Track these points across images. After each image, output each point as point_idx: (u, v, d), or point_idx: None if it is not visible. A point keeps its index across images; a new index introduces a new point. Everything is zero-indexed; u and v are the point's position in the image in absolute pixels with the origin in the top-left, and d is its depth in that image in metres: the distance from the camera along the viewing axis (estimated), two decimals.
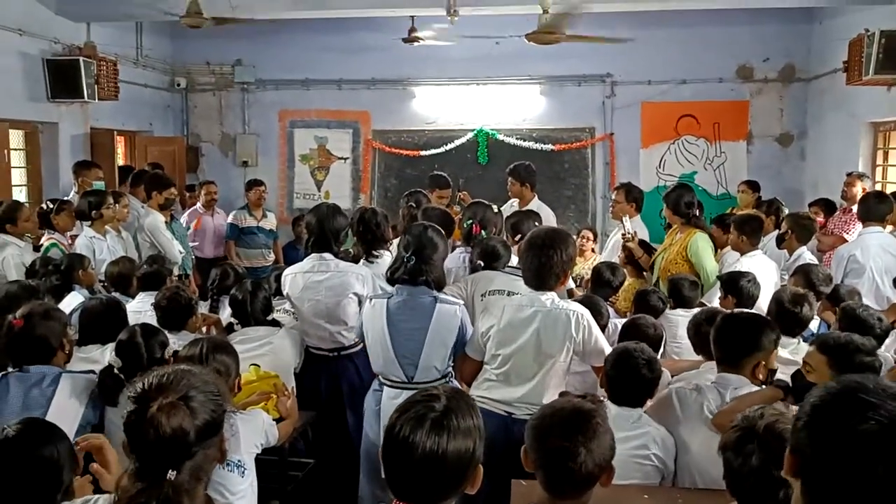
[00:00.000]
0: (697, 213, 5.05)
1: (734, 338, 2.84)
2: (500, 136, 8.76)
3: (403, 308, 3.20)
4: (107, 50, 7.38)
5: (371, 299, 3.34)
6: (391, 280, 3.27)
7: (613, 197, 5.91)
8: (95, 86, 6.88)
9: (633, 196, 5.73)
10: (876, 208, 4.92)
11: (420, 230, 3.30)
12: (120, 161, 8.01)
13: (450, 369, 3.26)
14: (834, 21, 7.66)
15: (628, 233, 5.22)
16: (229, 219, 7.64)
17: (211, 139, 9.41)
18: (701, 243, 4.87)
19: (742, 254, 5.00)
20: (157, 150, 8.50)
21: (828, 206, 6.53)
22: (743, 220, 5.09)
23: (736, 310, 3.66)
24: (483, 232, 4.29)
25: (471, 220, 4.36)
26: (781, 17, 7.93)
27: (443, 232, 3.40)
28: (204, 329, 4.07)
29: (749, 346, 2.80)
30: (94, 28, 7.25)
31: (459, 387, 3.22)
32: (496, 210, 4.58)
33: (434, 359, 3.18)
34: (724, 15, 7.56)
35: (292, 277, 3.90)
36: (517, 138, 8.73)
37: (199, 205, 7.69)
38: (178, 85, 9.13)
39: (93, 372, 2.95)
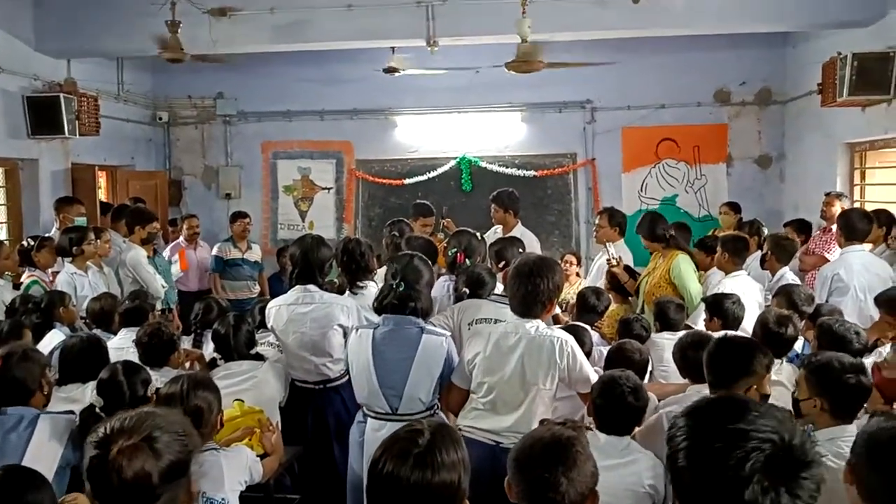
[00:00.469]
0: (674, 234, 5.09)
1: (727, 362, 2.83)
2: (483, 164, 8.81)
3: (389, 338, 3.18)
4: (88, 85, 7.37)
5: (357, 329, 3.32)
6: (379, 309, 3.26)
7: (597, 221, 5.94)
8: (76, 121, 6.86)
9: (616, 220, 5.76)
10: (858, 227, 4.96)
11: (407, 259, 3.31)
12: (102, 196, 7.96)
13: (435, 402, 3.23)
14: (807, 45, 7.79)
15: (613, 258, 5.23)
16: (214, 251, 7.62)
17: (194, 172, 9.39)
18: (683, 265, 4.90)
19: (726, 273, 5.03)
20: (139, 184, 8.47)
21: (802, 226, 6.61)
22: (728, 240, 5.15)
23: (727, 333, 3.67)
24: (468, 260, 4.29)
25: (455, 249, 4.35)
26: (757, 42, 8.06)
27: (429, 261, 3.40)
28: (187, 365, 4.03)
29: (742, 370, 2.80)
30: (74, 64, 7.25)
31: (445, 420, 3.19)
32: (480, 238, 4.58)
33: (419, 390, 3.15)
34: (701, 40, 7.66)
35: (276, 310, 3.87)
36: (500, 165, 8.78)
37: (181, 238, 7.64)
38: (160, 119, 9.13)
39: (72, 412, 2.89)
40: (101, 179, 8.22)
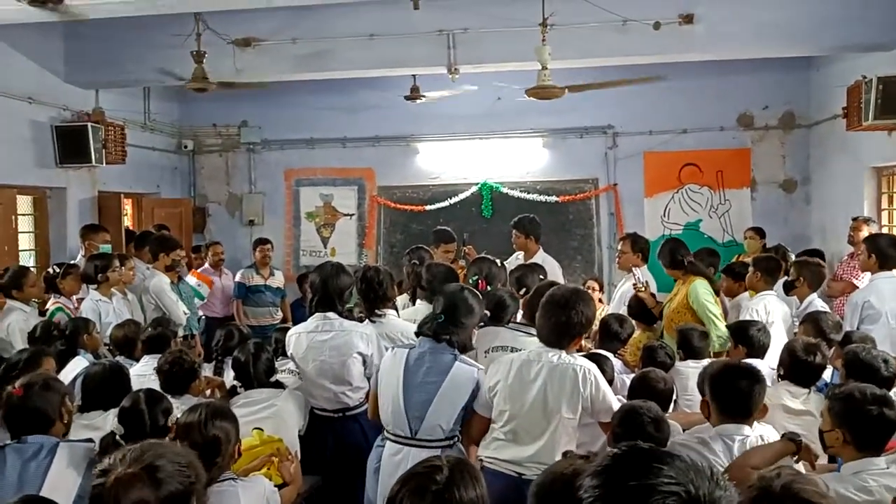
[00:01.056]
0: (692, 260, 5.04)
1: (734, 389, 2.80)
2: (504, 189, 8.80)
3: (422, 360, 3.20)
4: (115, 115, 7.52)
5: (393, 348, 3.36)
6: (417, 332, 3.30)
7: (619, 247, 5.90)
8: (103, 150, 6.99)
9: (639, 246, 5.73)
10: (889, 253, 4.87)
11: (455, 291, 3.33)
12: (127, 223, 8.07)
13: (456, 433, 3.19)
14: (831, 68, 7.73)
15: (640, 282, 5.19)
16: (237, 278, 7.69)
17: (218, 199, 9.49)
18: (700, 289, 4.86)
19: (756, 292, 4.98)
20: (164, 211, 8.57)
21: (815, 255, 6.47)
22: (762, 259, 5.19)
23: (730, 361, 3.63)
24: (489, 287, 4.28)
25: (476, 276, 4.34)
26: (780, 66, 8.01)
27: (480, 296, 3.41)
28: (208, 392, 4.03)
29: (746, 399, 2.78)
30: (102, 94, 7.40)
31: (464, 452, 3.16)
32: (500, 264, 4.57)
33: (441, 416, 3.13)
34: (723, 64, 7.63)
35: (296, 337, 3.87)
36: (521, 191, 8.77)
37: (206, 265, 7.71)
38: (186, 147, 9.26)
39: (92, 440, 2.89)
40: (127, 207, 8.34)
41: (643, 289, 5.14)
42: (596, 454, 2.23)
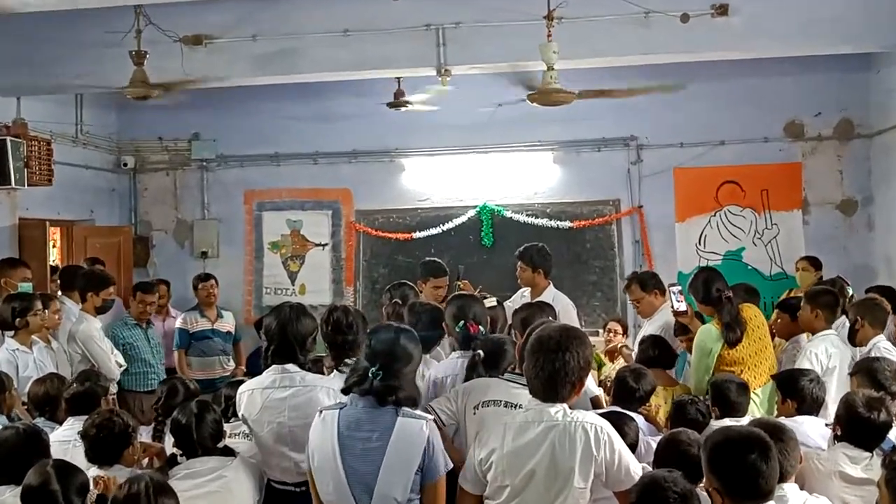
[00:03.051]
0: (731, 296, 5.04)
1: (739, 466, 2.72)
2: (508, 213, 8.82)
3: (359, 422, 3.12)
4: (40, 127, 7.54)
5: (321, 412, 3.26)
6: (345, 391, 3.19)
7: (629, 296, 5.94)
8: (25, 169, 6.98)
9: (652, 285, 5.79)
10: None
11: (391, 337, 3.22)
12: (54, 257, 8.05)
13: (415, 501, 3.14)
14: (893, 69, 7.79)
15: (677, 306, 5.23)
16: (177, 323, 7.66)
17: (164, 227, 9.50)
18: (700, 336, 4.95)
19: (812, 332, 5.00)
20: (98, 242, 8.56)
21: (888, 293, 6.44)
22: (817, 293, 5.17)
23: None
24: (481, 329, 4.27)
25: (463, 322, 4.33)
26: (833, 66, 8.07)
27: (417, 337, 3.34)
28: (145, 461, 3.99)
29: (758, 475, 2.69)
30: (24, 102, 7.42)
31: None
32: (494, 302, 4.56)
33: (393, 487, 3.07)
34: (766, 64, 7.69)
35: (249, 395, 3.83)
36: (528, 215, 8.78)
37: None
38: (125, 165, 9.28)
39: None
40: (55, 237, 8.32)
41: (684, 311, 5.18)
42: None
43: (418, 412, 3.22)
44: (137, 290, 7.00)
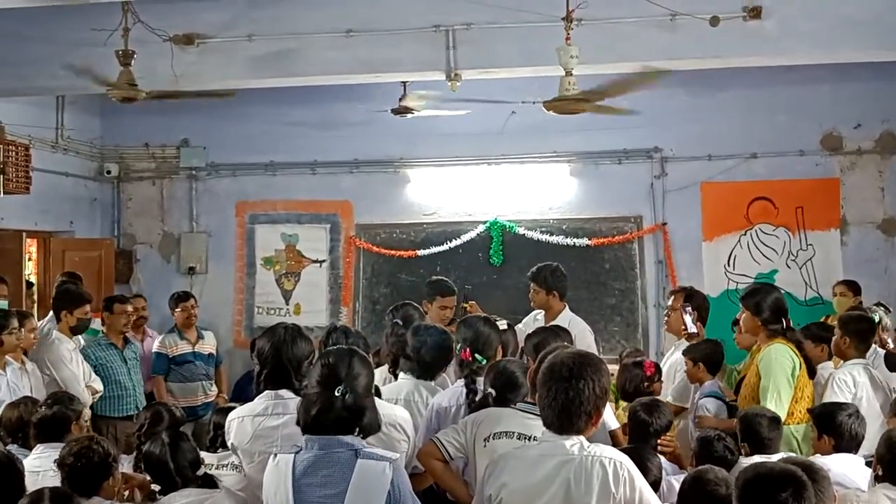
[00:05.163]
0: (789, 325, 5.00)
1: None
2: (520, 230, 8.83)
3: (314, 467, 3.07)
4: (17, 131, 7.58)
5: (274, 455, 3.22)
6: (307, 426, 3.15)
7: (669, 303, 5.90)
8: (1, 176, 7.01)
9: (695, 303, 5.80)
10: None
11: (346, 356, 3.21)
12: (29, 271, 8.08)
13: None
14: None
15: (691, 328, 5.25)
16: (155, 347, 7.63)
17: (149, 240, 9.53)
18: (774, 354, 4.81)
19: (844, 360, 5.00)
20: (78, 255, 8.60)
21: None
22: (851, 319, 5.18)
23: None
24: (477, 356, 4.28)
25: (460, 345, 4.35)
26: (875, 74, 8.06)
27: (368, 357, 3.35)
28: (126, 493, 3.98)
29: None
30: (1, 105, 7.47)
31: None
32: (504, 325, 4.56)
33: None
34: (802, 71, 7.69)
35: (239, 422, 3.82)
36: (541, 231, 8.80)
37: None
38: (108, 173, 9.32)
39: None
40: (31, 249, 8.36)
41: (696, 333, 5.28)
42: None
43: (381, 451, 3.17)
44: (112, 302, 6.95)
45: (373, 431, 3.21)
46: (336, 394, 3.09)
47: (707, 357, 5.31)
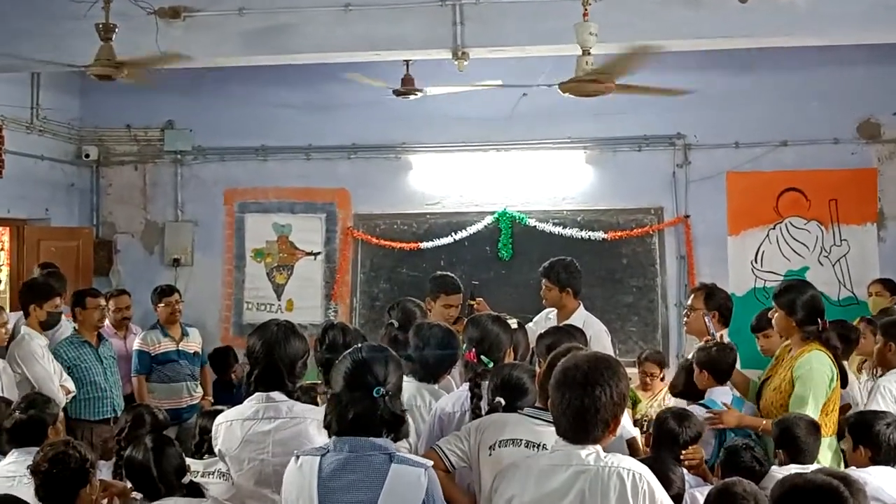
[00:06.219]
0: (825, 326, 4.96)
1: None
2: (531, 221, 8.82)
3: (343, 470, 3.08)
4: None
5: (297, 457, 3.22)
6: (332, 426, 3.15)
7: (689, 302, 5.89)
8: None
9: (716, 302, 5.74)
10: None
11: (379, 354, 3.22)
12: (1, 261, 8.07)
13: None
14: None
15: (711, 334, 5.22)
16: (135, 344, 7.59)
17: (130, 230, 9.54)
18: (815, 363, 4.78)
19: (888, 369, 5.01)
20: (54, 245, 8.59)
21: None
22: (891, 323, 5.16)
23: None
24: (483, 358, 4.26)
25: (465, 345, 4.35)
26: None
27: (397, 356, 3.35)
28: (105, 502, 3.98)
29: None
30: None
31: None
32: (515, 324, 4.54)
33: None
34: (837, 52, 7.67)
35: (227, 427, 3.82)
36: (554, 224, 8.79)
37: (107, 323, 7.67)
38: (87, 156, 9.31)
39: None
40: (3, 238, 8.35)
41: (716, 341, 5.20)
42: None
43: (415, 457, 3.21)
44: (84, 296, 6.91)
45: (404, 435, 3.23)
46: (375, 394, 3.10)
47: (712, 363, 5.13)
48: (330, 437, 3.17)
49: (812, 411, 4.63)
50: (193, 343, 7.78)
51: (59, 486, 3.65)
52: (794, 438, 4.19)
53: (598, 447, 3.08)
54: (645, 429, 5.70)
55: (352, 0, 6.64)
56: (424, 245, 8.97)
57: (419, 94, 7.83)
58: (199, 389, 7.70)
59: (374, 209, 9.16)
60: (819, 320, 4.88)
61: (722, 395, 5.13)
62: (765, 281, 8.52)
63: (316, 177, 9.21)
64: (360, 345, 3.42)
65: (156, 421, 4.58)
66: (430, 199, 9.11)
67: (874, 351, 5.33)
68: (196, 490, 3.79)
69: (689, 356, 5.51)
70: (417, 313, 5.25)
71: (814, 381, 4.71)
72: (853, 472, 3.85)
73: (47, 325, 6.14)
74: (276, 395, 3.79)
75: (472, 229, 8.90)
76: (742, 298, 8.04)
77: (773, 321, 5.07)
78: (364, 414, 3.10)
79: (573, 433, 3.08)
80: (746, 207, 8.71)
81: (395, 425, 3.13)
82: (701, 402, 5.07)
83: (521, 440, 3.70)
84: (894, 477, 3.99)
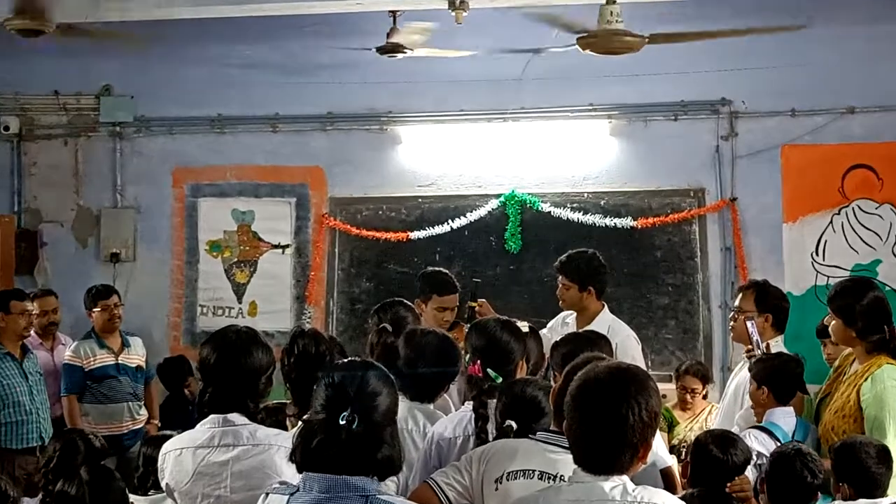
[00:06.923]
0: (894, 333, 4.99)
1: None
2: (544, 206, 8.85)
3: None
4: None
5: (266, 495, 3.20)
6: (302, 464, 3.10)
7: (736, 303, 5.90)
8: None
9: (769, 303, 5.76)
10: None
11: (357, 370, 3.19)
12: None
13: None
14: None
15: (756, 346, 5.26)
16: (65, 358, 7.63)
17: (59, 218, 9.56)
18: (890, 381, 4.80)
19: None
20: None
21: None
22: None
23: None
24: (491, 372, 4.28)
25: (468, 356, 4.39)
26: None
27: (391, 378, 3.31)
28: None
29: None
30: None
31: None
32: (526, 329, 4.56)
33: None
34: None
35: (176, 456, 3.84)
36: (572, 209, 8.81)
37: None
38: (7, 129, 9.34)
39: None
40: None
41: (761, 355, 5.24)
42: None
43: (399, 499, 3.20)
44: (8, 300, 6.98)
45: (392, 472, 3.17)
46: (341, 421, 3.05)
47: (774, 377, 5.14)
48: (299, 471, 3.15)
49: (893, 439, 4.66)
50: (136, 355, 7.80)
51: None
52: (863, 467, 4.21)
53: (626, 478, 3.05)
54: (683, 456, 5.71)
55: None
56: (415, 235, 8.99)
57: (408, 53, 7.83)
58: (144, 411, 7.73)
59: (355, 192, 9.20)
60: (886, 327, 4.88)
61: (784, 416, 5.15)
62: (828, 277, 8.52)
63: (284, 153, 9.27)
64: (343, 360, 3.42)
65: (91, 449, 4.57)
66: (422, 180, 9.14)
67: None
68: None
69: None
70: (409, 318, 5.27)
71: (887, 400, 4.73)
72: None
73: None
74: (236, 417, 3.80)
75: (473, 216, 8.92)
76: (800, 298, 8.07)
77: (830, 329, 5.09)
78: (330, 444, 3.05)
79: (594, 462, 3.06)
80: (805, 188, 8.73)
81: (364, 457, 3.07)
82: (760, 424, 5.09)
83: (533, 471, 3.70)
84: None
